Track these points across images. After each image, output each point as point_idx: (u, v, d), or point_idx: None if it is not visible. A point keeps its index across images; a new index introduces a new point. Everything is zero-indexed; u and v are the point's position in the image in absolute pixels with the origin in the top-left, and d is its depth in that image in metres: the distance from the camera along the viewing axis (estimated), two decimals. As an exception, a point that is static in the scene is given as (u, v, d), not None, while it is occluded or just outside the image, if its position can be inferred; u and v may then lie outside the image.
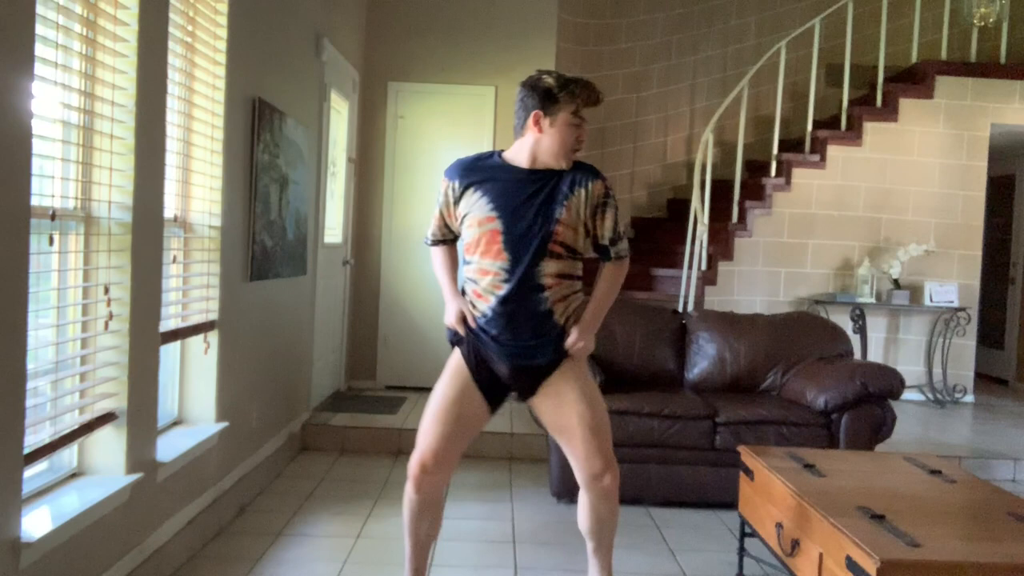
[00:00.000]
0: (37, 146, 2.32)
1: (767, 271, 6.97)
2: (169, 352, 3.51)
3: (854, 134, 6.99)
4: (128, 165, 2.80)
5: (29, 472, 2.46)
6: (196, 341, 3.63)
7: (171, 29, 3.13)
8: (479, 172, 2.69)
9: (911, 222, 7.01)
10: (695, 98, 8.05)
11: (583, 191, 2.65)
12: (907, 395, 6.66)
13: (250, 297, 4.07)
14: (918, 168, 7.02)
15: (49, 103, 2.48)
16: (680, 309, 6.07)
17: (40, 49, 2.32)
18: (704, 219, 6.18)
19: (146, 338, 2.96)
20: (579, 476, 2.74)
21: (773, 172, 7.01)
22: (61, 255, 2.62)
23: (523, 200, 2.61)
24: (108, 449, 2.82)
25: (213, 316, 3.65)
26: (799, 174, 6.97)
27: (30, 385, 2.30)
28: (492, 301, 2.64)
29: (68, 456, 2.78)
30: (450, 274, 2.84)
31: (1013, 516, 2.66)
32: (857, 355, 6.03)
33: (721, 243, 6.85)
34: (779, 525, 2.93)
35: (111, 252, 2.78)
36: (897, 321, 7.06)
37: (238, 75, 3.77)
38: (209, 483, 3.62)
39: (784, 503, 2.91)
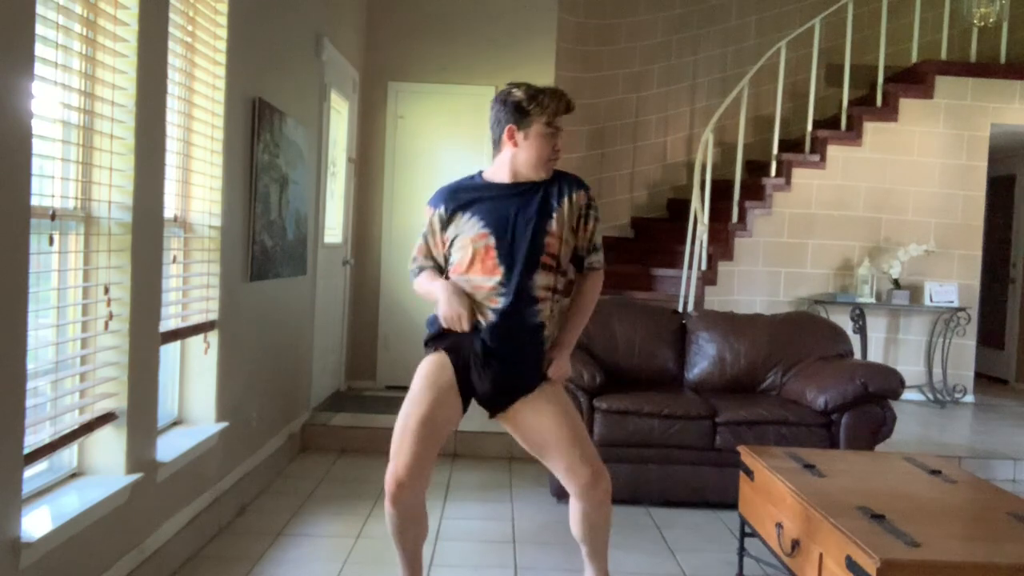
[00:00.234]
0: (37, 146, 2.32)
1: (767, 271, 6.97)
2: (169, 352, 3.51)
3: (854, 134, 6.99)
4: (128, 165, 2.80)
5: (29, 472, 2.46)
6: (196, 341, 3.63)
7: (171, 29, 3.13)
8: (464, 195, 2.69)
9: (911, 222, 7.01)
10: (695, 98, 8.04)
11: (567, 201, 2.67)
12: (907, 395, 6.65)
13: (250, 297, 4.07)
14: (918, 168, 7.02)
15: (49, 103, 2.48)
16: (680, 309, 6.07)
17: (40, 49, 2.32)
18: (704, 219, 6.18)
19: (146, 338, 2.96)
20: (570, 488, 2.69)
21: (773, 172, 7.01)
22: (61, 255, 2.62)
23: (513, 214, 2.62)
24: (108, 449, 2.82)
25: (213, 316, 3.65)
26: (799, 174, 6.97)
27: (30, 385, 2.30)
28: (489, 315, 2.61)
29: (68, 456, 2.78)
30: (439, 278, 2.71)
31: (1013, 516, 2.66)
32: (857, 355, 6.03)
33: (721, 243, 6.85)
34: (779, 525, 2.92)
35: (111, 252, 2.78)
36: (897, 321, 7.06)
37: (238, 75, 3.77)
38: (209, 483, 3.62)
39: (784, 503, 2.91)
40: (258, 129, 4.00)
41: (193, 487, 3.45)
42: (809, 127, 7.10)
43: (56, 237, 2.57)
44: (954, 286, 6.93)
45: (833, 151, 6.99)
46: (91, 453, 2.82)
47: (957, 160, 7.02)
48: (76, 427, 2.64)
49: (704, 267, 6.32)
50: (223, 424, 3.68)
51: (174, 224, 3.39)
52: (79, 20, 2.59)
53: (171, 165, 3.25)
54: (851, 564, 2.33)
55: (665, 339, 4.85)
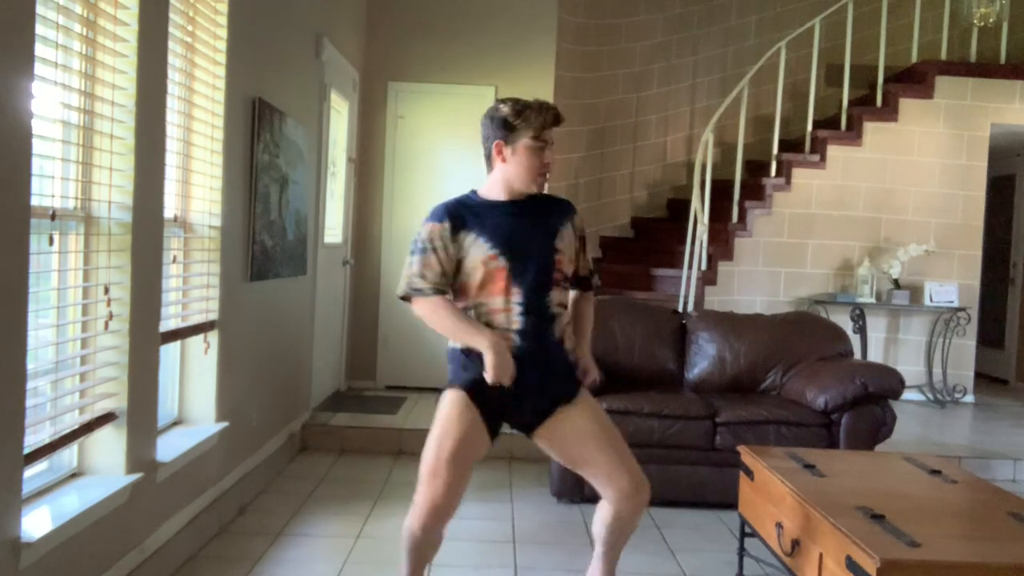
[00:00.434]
0: (37, 146, 2.32)
1: (767, 271, 6.97)
2: (169, 352, 3.51)
3: (854, 134, 6.99)
4: (128, 165, 2.80)
5: (29, 472, 2.46)
6: (196, 341, 3.63)
7: (171, 29, 3.13)
8: (465, 212, 2.62)
9: (911, 222, 7.01)
10: (695, 98, 8.04)
11: (570, 224, 2.70)
12: (907, 395, 6.65)
13: (250, 297, 4.07)
14: (918, 168, 7.01)
15: (49, 103, 2.48)
16: (680, 309, 6.07)
17: (40, 49, 2.32)
18: (704, 219, 6.18)
19: (146, 338, 2.96)
20: (609, 495, 2.68)
21: (773, 172, 7.01)
22: (61, 255, 2.62)
23: (520, 233, 2.61)
24: (108, 449, 2.82)
25: (213, 316, 3.65)
26: (799, 174, 6.97)
27: (30, 385, 2.30)
28: (514, 339, 2.57)
29: (68, 456, 2.78)
30: (468, 316, 2.59)
31: (1013, 516, 2.66)
32: (857, 355, 6.03)
33: (721, 243, 6.85)
34: (779, 525, 2.93)
35: (111, 252, 2.78)
36: (897, 321, 7.06)
37: (238, 75, 3.77)
38: (209, 483, 3.62)
39: (784, 503, 2.91)
40: (258, 129, 4.00)
41: (193, 487, 3.45)
42: (809, 127, 7.10)
43: (56, 237, 2.57)
44: (954, 286, 6.93)
45: (833, 151, 6.99)
46: (91, 453, 2.82)
47: (957, 160, 7.02)
48: (76, 427, 2.64)
49: (704, 267, 6.32)
50: (223, 424, 3.68)
51: (174, 224, 3.39)
52: (79, 20, 2.59)
53: (171, 165, 3.25)
54: (851, 564, 2.33)
55: (665, 339, 4.85)
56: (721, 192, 6.89)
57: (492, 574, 3.39)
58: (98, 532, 2.65)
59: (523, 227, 2.62)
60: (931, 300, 6.88)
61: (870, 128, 7.00)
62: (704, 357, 4.81)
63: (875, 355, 6.91)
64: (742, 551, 3.44)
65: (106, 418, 2.77)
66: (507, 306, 2.58)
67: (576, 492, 4.26)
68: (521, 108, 2.61)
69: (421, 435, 2.56)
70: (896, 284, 6.88)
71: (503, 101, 2.66)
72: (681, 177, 7.95)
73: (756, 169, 7.35)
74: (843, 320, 6.65)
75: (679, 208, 7.53)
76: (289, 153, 4.51)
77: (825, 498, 2.73)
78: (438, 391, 2.73)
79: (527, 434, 2.71)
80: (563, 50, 6.97)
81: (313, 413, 5.46)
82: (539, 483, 4.59)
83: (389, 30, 6.63)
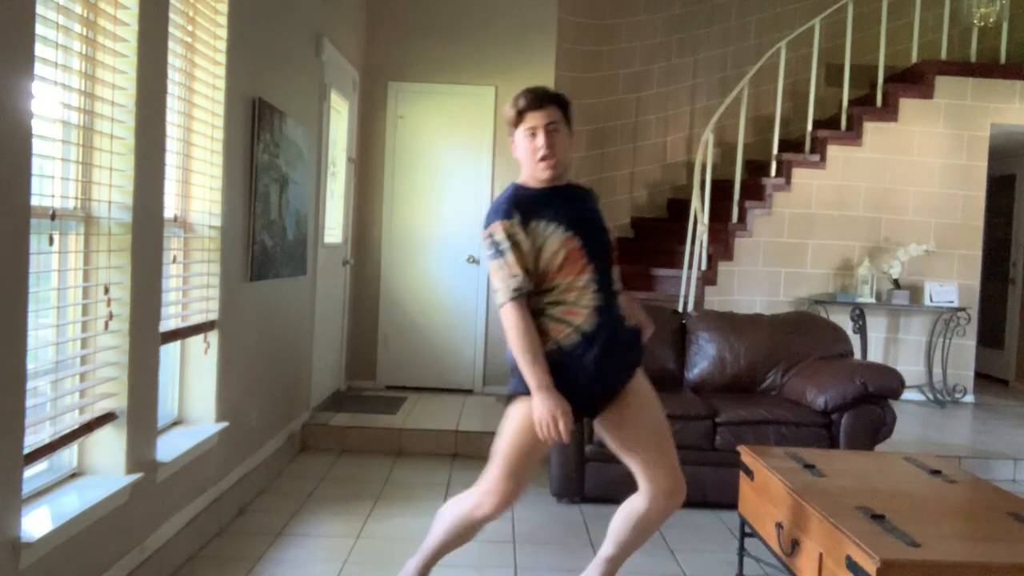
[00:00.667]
0: (37, 146, 2.32)
1: (767, 271, 6.97)
2: (169, 352, 3.51)
3: (854, 134, 7.00)
4: (128, 165, 2.80)
5: (29, 472, 2.46)
6: (196, 341, 3.63)
7: (171, 29, 3.13)
8: (525, 202, 2.62)
9: (911, 222, 7.01)
10: (695, 98, 8.05)
11: (599, 207, 2.77)
12: (907, 395, 6.66)
13: (250, 297, 4.07)
14: (918, 168, 7.02)
15: (49, 103, 2.48)
16: (680, 309, 6.07)
17: (40, 49, 2.32)
18: (704, 219, 6.18)
19: (146, 338, 2.96)
20: (647, 489, 2.71)
21: (773, 172, 7.02)
22: (61, 255, 2.61)
23: (582, 214, 2.66)
24: (108, 449, 2.82)
25: (213, 316, 3.65)
26: (799, 174, 6.98)
27: (30, 385, 2.30)
28: (591, 314, 2.59)
29: (68, 456, 2.78)
30: (538, 347, 2.56)
31: (1013, 516, 2.66)
32: (857, 355, 6.03)
33: (721, 243, 6.85)
34: (779, 525, 2.93)
35: (111, 252, 2.78)
36: (897, 321, 7.06)
37: (238, 75, 3.77)
38: (209, 483, 3.62)
39: (784, 503, 2.91)
40: (258, 129, 4.00)
41: (193, 487, 3.45)
42: (809, 127, 7.10)
43: (56, 237, 2.57)
44: (954, 286, 6.93)
45: (833, 151, 6.99)
46: (91, 453, 2.82)
47: (957, 160, 7.02)
48: (76, 427, 2.64)
49: (704, 267, 6.32)
50: (223, 424, 3.68)
51: (174, 224, 3.39)
52: (79, 20, 2.59)
53: (171, 165, 3.25)
54: (851, 564, 2.33)
55: (665, 339, 4.85)
56: (721, 192, 6.89)
57: (492, 574, 3.39)
58: (98, 532, 2.65)
59: (579, 210, 2.67)
60: (931, 300, 6.88)
61: (870, 128, 7.00)
62: (704, 357, 4.81)
63: (875, 355, 6.91)
64: (742, 551, 3.44)
65: (106, 418, 2.77)
66: (585, 283, 2.61)
67: (576, 492, 4.27)
68: (516, 96, 2.67)
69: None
70: (896, 284, 6.88)
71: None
72: (681, 177, 7.95)
73: (756, 169, 7.36)
74: (843, 320, 6.65)
75: (679, 208, 7.53)
76: (289, 153, 4.51)
77: (825, 498, 2.73)
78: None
79: (592, 417, 2.75)
80: (563, 50, 6.97)
81: (313, 413, 5.46)
82: (539, 483, 4.59)
83: (389, 30, 6.63)
